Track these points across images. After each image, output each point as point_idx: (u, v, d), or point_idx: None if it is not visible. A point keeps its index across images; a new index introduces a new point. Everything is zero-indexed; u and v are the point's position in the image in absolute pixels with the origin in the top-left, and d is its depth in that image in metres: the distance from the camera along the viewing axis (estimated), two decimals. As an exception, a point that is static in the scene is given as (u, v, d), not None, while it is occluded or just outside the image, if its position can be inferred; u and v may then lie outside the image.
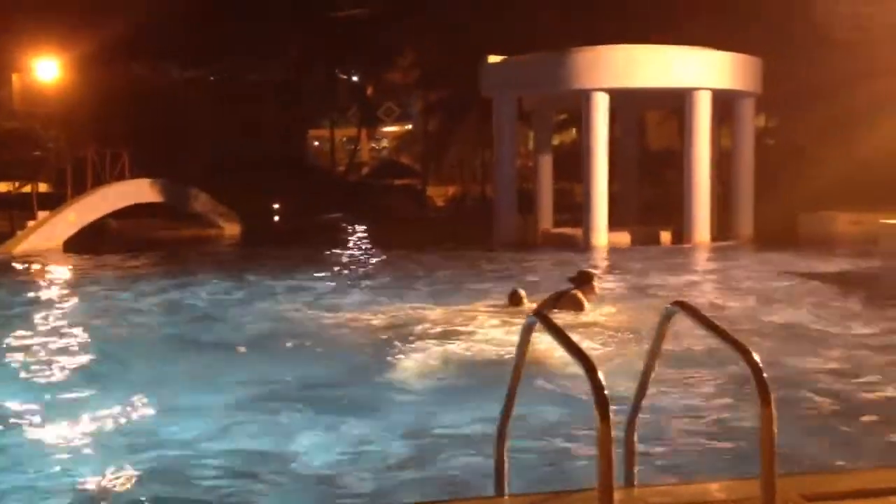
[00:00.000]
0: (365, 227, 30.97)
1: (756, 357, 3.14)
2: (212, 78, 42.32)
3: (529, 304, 9.91)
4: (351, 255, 20.91)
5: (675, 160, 26.59)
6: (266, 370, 7.87)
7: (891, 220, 16.79)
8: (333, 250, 21.36)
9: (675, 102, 23.52)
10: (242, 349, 9.01)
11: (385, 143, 63.28)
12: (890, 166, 26.60)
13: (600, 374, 3.01)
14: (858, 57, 28.29)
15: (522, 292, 10.61)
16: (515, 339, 7.76)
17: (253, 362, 8.33)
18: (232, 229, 28.96)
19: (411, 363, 7.89)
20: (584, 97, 21.63)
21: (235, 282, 14.67)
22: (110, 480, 5.04)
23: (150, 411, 6.45)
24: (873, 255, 16.39)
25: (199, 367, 8.06)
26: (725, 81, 22.32)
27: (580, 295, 9.94)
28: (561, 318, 9.53)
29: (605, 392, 2.96)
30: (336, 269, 16.93)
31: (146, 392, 6.86)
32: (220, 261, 19.38)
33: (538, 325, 3.52)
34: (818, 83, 30.87)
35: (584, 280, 10.20)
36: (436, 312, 10.60)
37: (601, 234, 21.33)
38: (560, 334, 3.31)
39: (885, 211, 20.69)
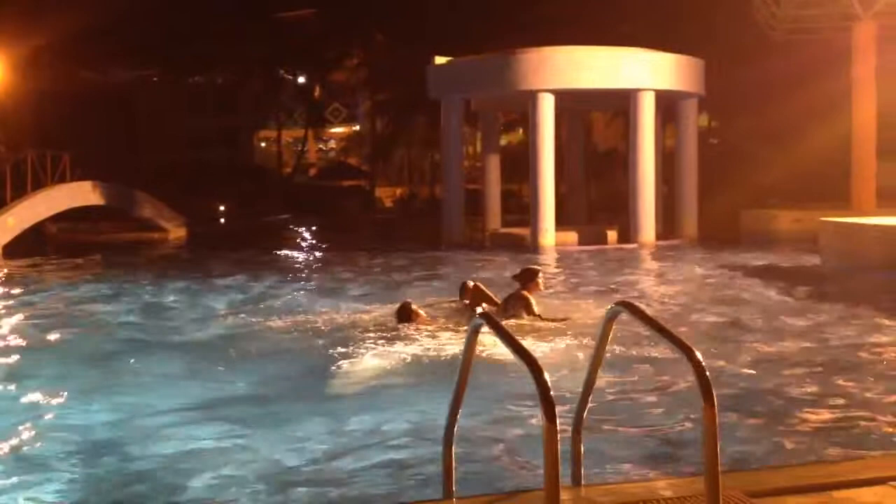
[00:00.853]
0: (312, 229, 30.77)
1: (699, 356, 3.17)
2: (155, 79, 41.76)
3: (427, 318, 9.79)
4: (294, 257, 20.75)
5: (621, 160, 26.90)
6: (180, 376, 7.70)
7: (830, 217, 17.15)
8: (276, 252, 21.19)
9: (621, 103, 23.76)
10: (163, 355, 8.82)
11: (332, 144, 62.98)
12: (829, 164, 27.20)
13: (546, 375, 3.02)
14: (799, 58, 28.90)
15: (471, 283, 10.50)
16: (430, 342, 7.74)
17: (174, 368, 8.09)
18: (177, 232, 28.56)
19: (348, 367, 7.78)
20: (531, 98, 21.75)
21: (173, 285, 14.49)
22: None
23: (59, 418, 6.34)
24: (813, 252, 16.74)
25: (124, 374, 7.85)
26: (669, 82, 22.61)
27: (525, 293, 10.01)
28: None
29: (551, 393, 2.97)
30: (277, 270, 16.73)
31: (50, 400, 6.74)
32: (159, 264, 19.12)
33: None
34: (759, 83, 31.46)
35: (528, 277, 10.25)
36: (372, 314, 10.53)
37: (549, 235, 21.46)
38: (505, 335, 3.32)
39: (825, 208, 21.15)
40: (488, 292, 10.25)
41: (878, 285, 12.63)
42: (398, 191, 48.56)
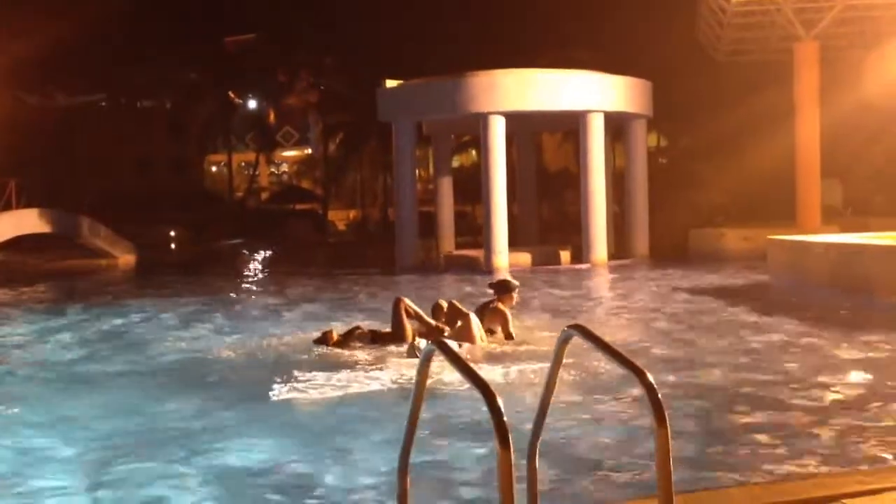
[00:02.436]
0: (264, 253, 30.54)
1: (650, 378, 3.18)
2: (103, 104, 41.27)
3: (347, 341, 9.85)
4: (243, 283, 20.54)
5: (573, 181, 27.14)
6: (79, 407, 7.50)
7: (777, 235, 17.45)
8: (224, 278, 20.96)
9: (571, 124, 24.02)
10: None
11: (284, 167, 62.69)
12: (775, 182, 27.72)
13: (499, 401, 3.00)
14: (744, 78, 29.50)
15: (444, 303, 10.36)
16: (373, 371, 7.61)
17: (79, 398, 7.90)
18: (126, 259, 28.16)
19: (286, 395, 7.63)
20: (482, 120, 21.87)
21: (109, 312, 14.27)
22: None
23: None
24: (762, 270, 17.01)
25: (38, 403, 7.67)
26: (617, 104, 22.90)
27: (502, 307, 10.03)
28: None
29: (504, 419, 2.95)
30: (220, 297, 16.52)
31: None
32: (100, 292, 18.81)
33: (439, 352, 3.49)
34: (705, 104, 32.03)
35: (504, 288, 10.29)
36: (308, 340, 10.45)
37: (502, 256, 21.55)
38: (458, 362, 3.29)
39: (772, 227, 21.53)
40: (463, 309, 10.14)
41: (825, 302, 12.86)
42: (351, 214, 48.47)
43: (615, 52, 28.87)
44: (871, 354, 8.72)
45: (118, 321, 13.30)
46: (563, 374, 6.14)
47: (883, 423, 6.14)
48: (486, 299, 10.60)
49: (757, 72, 28.62)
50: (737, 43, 27.22)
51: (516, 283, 10.69)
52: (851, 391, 7.20)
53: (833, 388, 7.28)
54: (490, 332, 9.95)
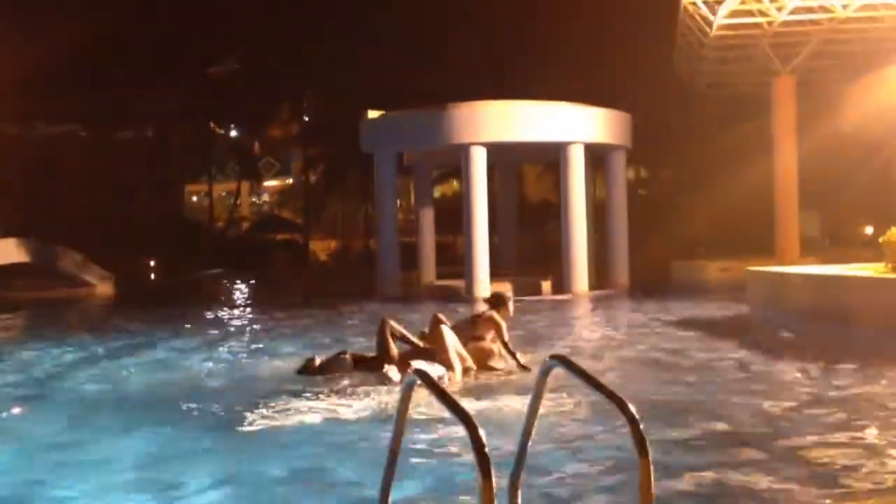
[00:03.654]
0: (245, 283, 30.41)
1: (632, 409, 3.18)
2: (83, 134, 41.12)
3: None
4: (222, 314, 20.39)
5: (553, 211, 27.23)
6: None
7: (756, 266, 17.57)
8: (204, 308, 20.81)
9: (551, 156, 24.16)
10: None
11: (266, 197, 62.63)
12: (753, 213, 27.98)
13: (482, 432, 2.99)
14: (722, 110, 29.87)
15: (441, 316, 10.04)
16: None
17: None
18: (105, 288, 27.94)
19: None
20: (463, 151, 21.96)
21: (79, 343, 14.15)
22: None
23: None
24: (742, 301, 17.08)
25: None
26: (597, 135, 23.07)
27: (497, 316, 10.02)
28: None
29: (486, 450, 2.94)
30: (197, 327, 16.37)
31: None
32: (70, 323, 18.66)
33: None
34: (684, 136, 32.36)
35: (498, 302, 10.28)
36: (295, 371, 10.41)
37: (483, 286, 21.55)
38: (439, 392, 3.28)
39: (751, 258, 21.70)
40: (442, 319, 9.96)
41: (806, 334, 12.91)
42: (332, 244, 48.40)
43: (596, 84, 29.14)
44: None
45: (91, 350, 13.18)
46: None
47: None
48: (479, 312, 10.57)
49: (736, 104, 29.01)
50: (715, 76, 27.59)
51: (510, 294, 10.72)
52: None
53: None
54: (479, 339, 9.91)
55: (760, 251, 25.05)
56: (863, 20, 22.86)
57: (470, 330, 10.09)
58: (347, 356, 10.12)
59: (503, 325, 9.98)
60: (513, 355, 9.88)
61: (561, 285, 22.57)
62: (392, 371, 9.43)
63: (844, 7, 21.95)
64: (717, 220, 30.51)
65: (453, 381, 9.37)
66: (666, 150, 34.41)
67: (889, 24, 22.78)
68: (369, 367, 9.77)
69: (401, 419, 3.58)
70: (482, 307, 10.73)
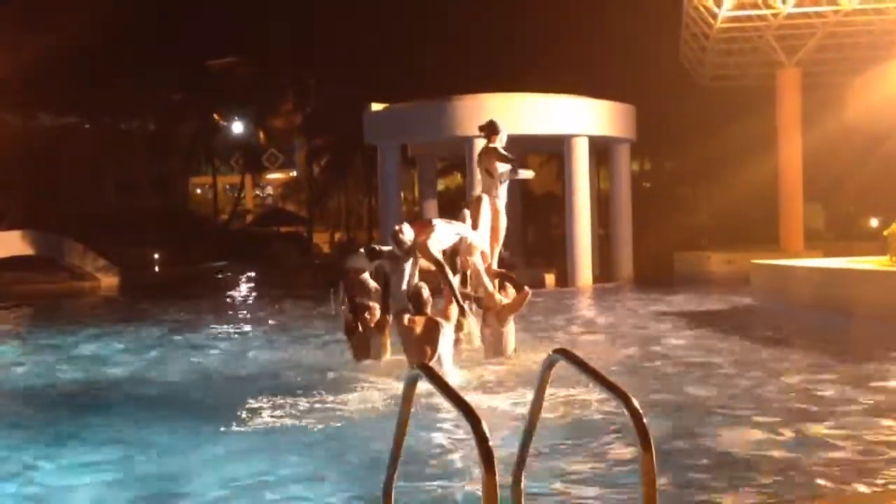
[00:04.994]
0: (249, 276, 30.44)
1: (636, 403, 3.18)
2: (87, 126, 41.14)
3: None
4: (227, 305, 20.42)
5: (557, 204, 27.24)
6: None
7: (761, 259, 17.54)
8: (206, 300, 20.86)
9: (555, 147, 24.12)
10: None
11: (269, 190, 62.65)
12: (758, 205, 27.93)
13: (485, 426, 3.00)
14: (726, 103, 29.77)
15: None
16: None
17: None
18: (109, 281, 27.99)
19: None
20: (467, 144, 21.93)
21: (73, 335, 14.18)
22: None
23: None
24: (746, 293, 17.06)
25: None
26: (602, 128, 23.03)
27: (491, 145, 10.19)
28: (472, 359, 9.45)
29: (489, 444, 2.95)
30: (201, 320, 16.39)
31: None
32: (68, 314, 18.69)
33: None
34: (689, 128, 32.29)
35: (491, 129, 10.52)
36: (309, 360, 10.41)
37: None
38: (444, 386, 3.29)
39: (756, 250, 21.67)
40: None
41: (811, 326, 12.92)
42: (336, 236, 48.42)
43: (600, 76, 29.08)
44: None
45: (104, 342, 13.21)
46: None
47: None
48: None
49: (741, 97, 28.90)
50: (720, 68, 27.49)
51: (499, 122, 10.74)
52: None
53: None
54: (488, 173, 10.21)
55: (765, 243, 25.01)
56: (868, 13, 22.77)
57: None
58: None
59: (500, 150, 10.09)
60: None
61: (565, 278, 22.56)
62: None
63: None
64: (721, 213, 30.46)
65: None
66: (670, 142, 34.34)
67: (893, 17, 22.70)
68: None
69: (404, 414, 3.58)
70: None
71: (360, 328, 9.65)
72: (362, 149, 27.41)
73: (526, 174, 11.23)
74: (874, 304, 12.21)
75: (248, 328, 15.09)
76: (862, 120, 24.26)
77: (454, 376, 8.83)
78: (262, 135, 48.00)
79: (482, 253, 9.99)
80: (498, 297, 9.88)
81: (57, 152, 37.19)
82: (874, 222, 27.50)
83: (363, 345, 9.73)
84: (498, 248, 10.37)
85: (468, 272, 10.02)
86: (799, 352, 10.50)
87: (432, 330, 8.89)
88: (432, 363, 8.74)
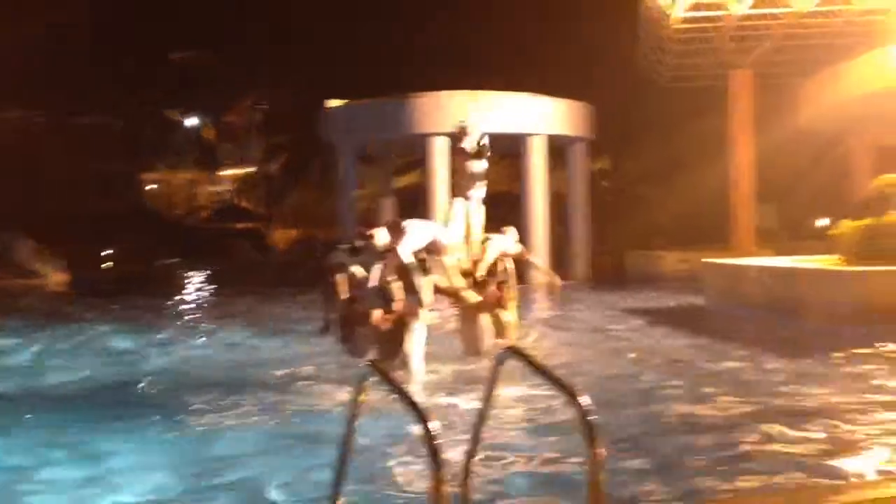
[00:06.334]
0: (204, 273, 30.12)
1: (582, 400, 3.18)
2: (38, 120, 40.38)
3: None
4: (179, 303, 20.16)
5: (514, 203, 27.26)
6: None
7: (712, 258, 17.74)
8: (158, 299, 20.59)
9: (513, 146, 24.20)
10: None
11: (226, 186, 61.99)
12: (712, 205, 28.25)
13: (433, 424, 2.98)
14: (684, 103, 30.09)
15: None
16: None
17: None
18: (58, 278, 27.51)
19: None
20: (425, 142, 21.93)
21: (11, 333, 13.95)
22: None
23: None
24: (698, 292, 17.25)
25: None
26: (559, 127, 23.15)
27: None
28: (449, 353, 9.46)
29: (437, 442, 2.93)
30: (151, 320, 16.17)
31: None
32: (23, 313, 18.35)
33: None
34: (646, 127, 32.58)
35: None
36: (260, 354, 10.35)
37: (444, 277, 21.53)
38: (394, 385, 3.27)
39: (708, 249, 21.92)
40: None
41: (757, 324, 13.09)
42: (293, 234, 48.08)
43: (562, 76, 29.22)
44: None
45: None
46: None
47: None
48: None
49: (698, 97, 29.22)
50: (677, 69, 27.77)
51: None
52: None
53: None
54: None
55: (719, 243, 25.32)
56: (821, 14, 23.13)
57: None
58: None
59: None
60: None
61: (521, 277, 22.61)
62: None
63: (804, 1, 22.18)
64: (679, 212, 30.78)
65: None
66: (630, 142, 34.61)
67: (845, 19, 23.09)
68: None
69: (353, 414, 3.55)
70: None
71: (373, 322, 9.08)
72: (321, 146, 27.27)
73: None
74: (821, 303, 12.42)
75: (191, 327, 14.93)
76: (816, 121, 24.65)
77: (420, 374, 8.88)
78: (216, 131, 47.52)
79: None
80: (468, 294, 9.94)
81: (5, 149, 36.46)
82: (825, 222, 27.99)
83: (373, 341, 9.25)
84: (473, 248, 10.40)
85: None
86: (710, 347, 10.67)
87: (401, 328, 8.95)
88: (401, 360, 8.88)
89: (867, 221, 13.86)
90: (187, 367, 10.33)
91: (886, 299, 11.71)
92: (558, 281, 11.85)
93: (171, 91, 41.68)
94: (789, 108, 25.58)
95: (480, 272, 10.09)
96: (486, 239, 10.31)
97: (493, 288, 10.10)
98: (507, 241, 10.46)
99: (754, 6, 22.76)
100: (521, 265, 11.00)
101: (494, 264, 10.36)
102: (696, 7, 23.03)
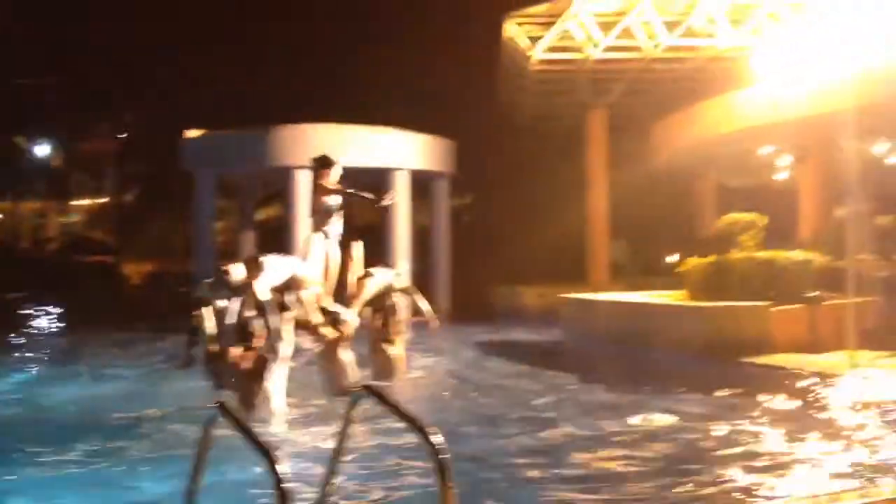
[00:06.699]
0: (50, 308, 28.69)
1: (436, 438, 3.19)
2: None
3: None
4: (27, 340, 19.15)
5: (376, 237, 27.24)
6: None
7: (568, 293, 18.23)
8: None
9: (375, 180, 24.21)
10: None
11: (76, 217, 59.46)
12: (572, 240, 29.04)
13: (281, 466, 2.93)
14: (545, 142, 30.92)
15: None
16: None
17: None
18: None
19: None
20: (287, 174, 21.68)
21: None
22: None
23: None
24: (554, 325, 17.66)
25: None
26: (423, 162, 23.36)
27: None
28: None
29: (285, 485, 2.88)
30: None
31: None
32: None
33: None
34: (511, 165, 33.27)
35: (323, 163, 10.45)
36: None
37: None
38: (240, 425, 3.20)
39: (566, 284, 22.51)
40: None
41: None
42: (147, 266, 46.47)
43: (423, 111, 29.50)
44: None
45: None
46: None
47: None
48: None
49: (558, 136, 30.07)
50: (538, 108, 28.56)
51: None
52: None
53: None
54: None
55: (576, 278, 26.00)
56: (669, 60, 24.24)
57: None
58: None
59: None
60: None
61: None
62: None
63: (655, 47, 23.21)
64: (539, 248, 31.44)
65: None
66: (492, 178, 35.20)
67: (695, 66, 24.31)
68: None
69: (202, 454, 3.46)
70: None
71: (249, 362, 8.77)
72: (179, 176, 26.52)
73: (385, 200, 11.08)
74: (667, 335, 12.93)
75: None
76: (672, 162, 25.68)
77: (282, 412, 8.73)
78: (69, 159, 45.64)
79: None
80: (326, 330, 9.85)
81: None
82: (675, 258, 29.20)
83: (233, 378, 8.82)
84: (329, 283, 10.32)
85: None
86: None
87: (260, 366, 8.82)
88: (262, 398, 8.68)
89: (712, 258, 14.56)
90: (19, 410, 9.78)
91: (726, 333, 12.30)
92: (436, 323, 11.76)
93: (20, 117, 39.79)
94: (649, 149, 26.63)
95: (356, 307, 10.08)
96: (367, 274, 10.34)
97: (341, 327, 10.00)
98: (388, 275, 10.44)
99: (608, 50, 23.66)
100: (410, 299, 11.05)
101: (381, 298, 10.41)
102: (554, 49, 23.76)
